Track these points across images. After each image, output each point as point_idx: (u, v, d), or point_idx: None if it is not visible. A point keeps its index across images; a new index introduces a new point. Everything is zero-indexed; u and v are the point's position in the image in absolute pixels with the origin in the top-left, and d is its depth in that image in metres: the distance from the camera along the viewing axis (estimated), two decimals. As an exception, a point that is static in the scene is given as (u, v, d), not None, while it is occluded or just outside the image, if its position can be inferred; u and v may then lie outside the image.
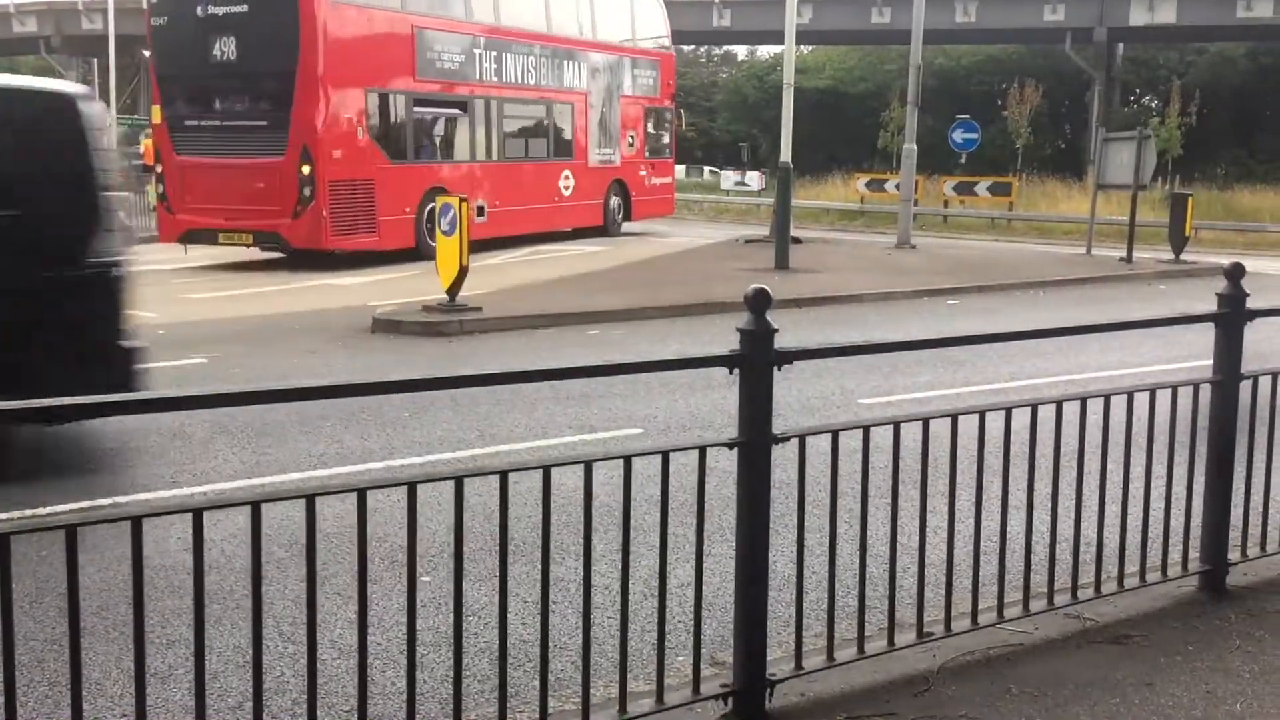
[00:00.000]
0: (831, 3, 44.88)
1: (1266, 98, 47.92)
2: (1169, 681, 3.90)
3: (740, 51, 73.52)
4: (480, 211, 20.15)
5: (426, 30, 19.41)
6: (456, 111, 20.46)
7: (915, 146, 23.45)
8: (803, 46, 53.06)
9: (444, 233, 12.30)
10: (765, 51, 65.05)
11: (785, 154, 18.66)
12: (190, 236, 18.26)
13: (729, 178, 42.77)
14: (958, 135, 32.56)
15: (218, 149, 17.76)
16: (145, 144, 36.17)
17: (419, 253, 18.40)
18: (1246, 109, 47.02)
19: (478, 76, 20.65)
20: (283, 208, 17.33)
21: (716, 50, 75.18)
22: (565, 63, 22.88)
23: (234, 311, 13.42)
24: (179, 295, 15.02)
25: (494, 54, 20.91)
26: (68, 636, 2.66)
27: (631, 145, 25.22)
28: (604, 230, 24.35)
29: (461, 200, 12.34)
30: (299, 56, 17.04)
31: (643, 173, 25.82)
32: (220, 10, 17.38)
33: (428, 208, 18.49)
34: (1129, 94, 53.01)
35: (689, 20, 47.10)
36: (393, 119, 19.07)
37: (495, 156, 21.37)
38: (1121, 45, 47.85)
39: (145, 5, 18.49)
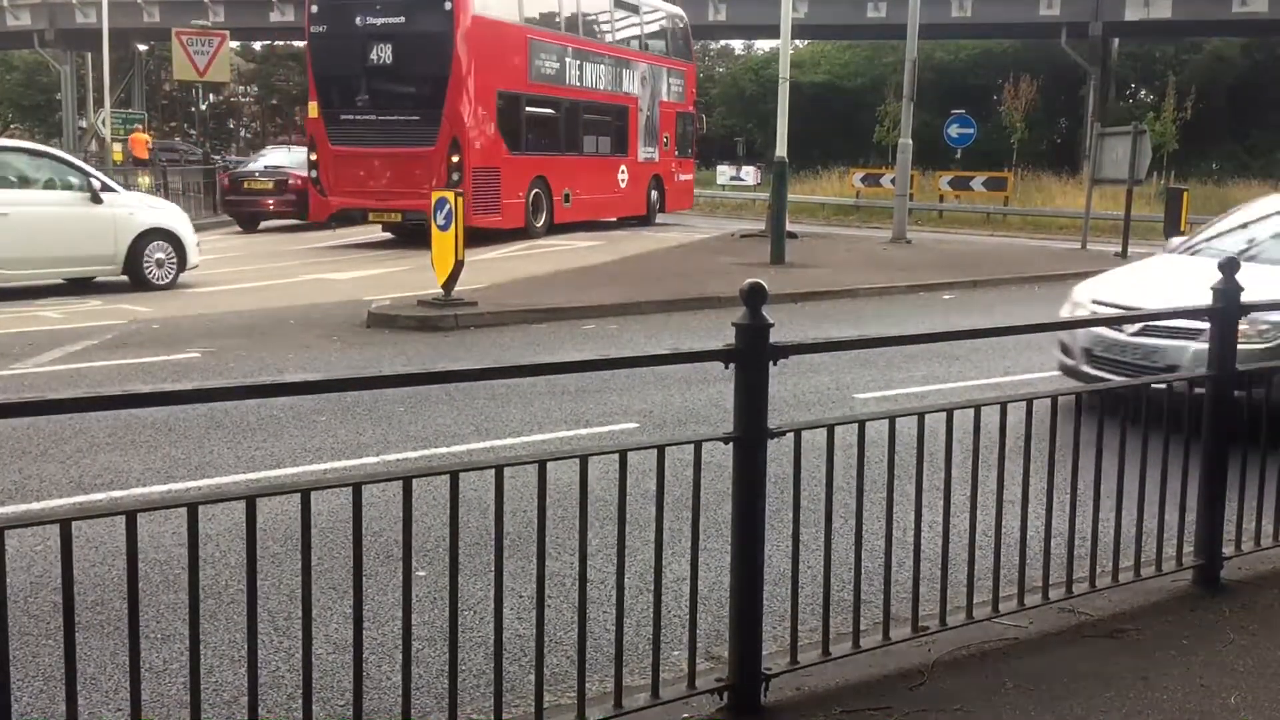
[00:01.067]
0: (828, -3, 44.81)
1: (1261, 93, 47.95)
2: (1163, 675, 3.91)
3: (737, 46, 73.52)
4: (566, 199, 23.97)
5: (535, 40, 22.64)
6: (552, 111, 23.54)
7: (910, 141, 23.44)
8: (798, 41, 53.10)
9: (440, 227, 12.27)
10: (761, 46, 65.08)
11: (781, 149, 18.66)
12: (341, 216, 21.42)
13: (725, 172, 42.77)
14: (953, 130, 32.56)
15: (371, 140, 20.66)
16: (134, 137, 36.10)
17: (526, 232, 22.06)
18: (1241, 104, 47.07)
19: (566, 81, 23.82)
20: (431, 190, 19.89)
21: (713, 44, 75.10)
22: (624, 71, 26.12)
23: (229, 306, 13.40)
24: (174, 289, 14.99)
25: (578, 62, 24.17)
26: (62, 630, 2.66)
27: (666, 145, 28.24)
28: (646, 219, 27.68)
29: (456, 194, 12.34)
30: (451, 61, 20.01)
31: (673, 169, 28.98)
32: (378, 21, 20.37)
33: (532, 193, 22.53)
34: (1124, 89, 53.06)
35: (686, 13, 47.10)
36: (512, 116, 21.94)
37: (577, 151, 24.54)
38: (1117, 40, 47.85)
39: (306, 14, 21.35)
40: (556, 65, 23.27)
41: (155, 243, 15.02)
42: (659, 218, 28.33)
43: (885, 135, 40.62)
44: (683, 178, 29.78)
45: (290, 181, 25.19)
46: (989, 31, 48.12)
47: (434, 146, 20.00)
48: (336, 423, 7.60)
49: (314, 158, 21.16)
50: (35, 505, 5.86)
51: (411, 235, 20.24)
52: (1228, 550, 4.83)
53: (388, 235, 22.33)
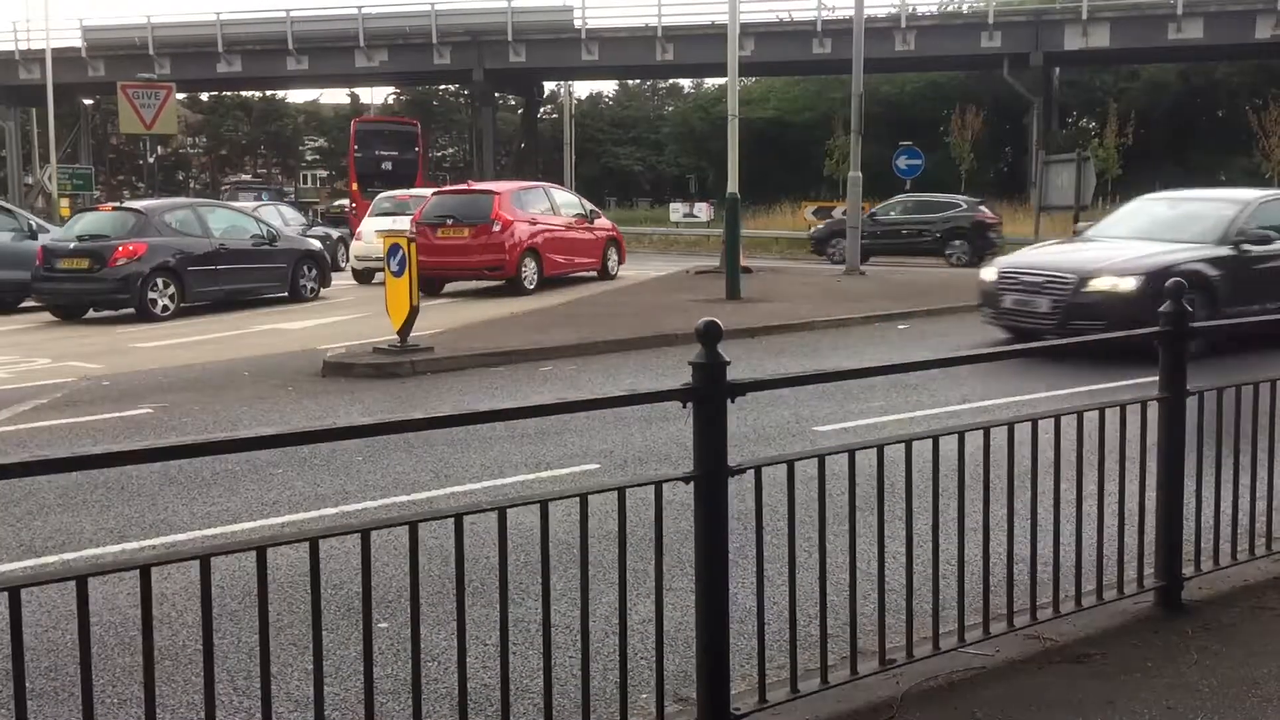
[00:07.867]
0: (773, 35, 45.46)
1: (1199, 116, 49.02)
2: (1130, 699, 3.92)
3: (685, 83, 74.13)
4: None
5: None
6: None
7: (860, 174, 23.66)
8: (746, 78, 53.60)
9: (394, 273, 12.22)
10: (710, 83, 65.65)
11: (732, 185, 18.79)
12: None
13: (678, 209, 42.99)
14: (901, 161, 32.96)
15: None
16: None
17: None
18: (1180, 128, 48.07)
19: None
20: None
21: (662, 84, 75.76)
22: None
23: (181, 359, 13.25)
24: (125, 345, 14.82)
25: None
26: (13, 701, 2.59)
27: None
28: None
29: (410, 241, 12.29)
30: (419, 164, 42.63)
31: None
32: (386, 153, 41.90)
33: None
34: (1067, 116, 53.97)
35: (633, 54, 47.48)
36: None
37: None
38: (1058, 69, 48.76)
39: (351, 148, 43.15)
40: None
41: None
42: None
43: (835, 168, 41.03)
44: None
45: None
46: (932, 64, 48.88)
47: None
48: (293, 474, 7.50)
49: (354, 206, 38.55)
50: (-15, 570, 5.72)
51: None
52: (1188, 570, 4.86)
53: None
